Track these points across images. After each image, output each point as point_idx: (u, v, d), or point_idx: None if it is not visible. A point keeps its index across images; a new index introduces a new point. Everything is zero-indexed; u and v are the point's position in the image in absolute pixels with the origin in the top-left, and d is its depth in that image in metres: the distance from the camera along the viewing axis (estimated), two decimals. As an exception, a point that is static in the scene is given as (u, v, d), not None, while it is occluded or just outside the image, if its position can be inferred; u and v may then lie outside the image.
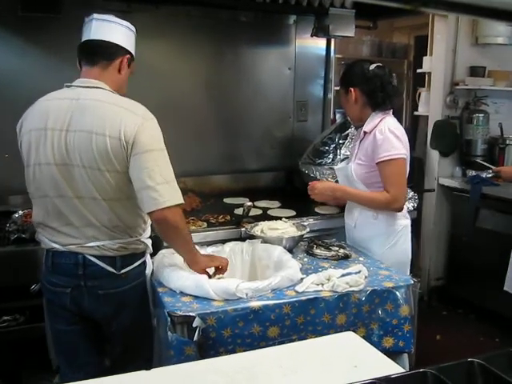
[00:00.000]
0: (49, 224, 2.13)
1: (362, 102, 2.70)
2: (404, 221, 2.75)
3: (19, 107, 3.13)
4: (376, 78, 2.66)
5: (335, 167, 3.05)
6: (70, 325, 2.21)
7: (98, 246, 2.11)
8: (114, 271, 2.14)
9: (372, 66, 2.70)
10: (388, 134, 2.57)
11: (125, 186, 2.07)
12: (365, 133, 2.67)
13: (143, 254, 2.26)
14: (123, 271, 2.17)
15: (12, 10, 2.89)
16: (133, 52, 2.24)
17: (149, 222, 2.23)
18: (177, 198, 2.05)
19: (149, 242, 2.29)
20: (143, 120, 2.05)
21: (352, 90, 2.70)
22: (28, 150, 2.10)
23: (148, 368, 1.50)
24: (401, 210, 2.67)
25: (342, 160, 3.55)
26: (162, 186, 2.01)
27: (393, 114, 2.72)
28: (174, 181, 2.06)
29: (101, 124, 2.01)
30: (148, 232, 2.28)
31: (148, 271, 2.29)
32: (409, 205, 3.21)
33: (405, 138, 2.63)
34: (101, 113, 2.04)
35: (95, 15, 2.14)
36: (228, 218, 3.07)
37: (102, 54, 2.14)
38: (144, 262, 2.27)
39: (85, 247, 2.11)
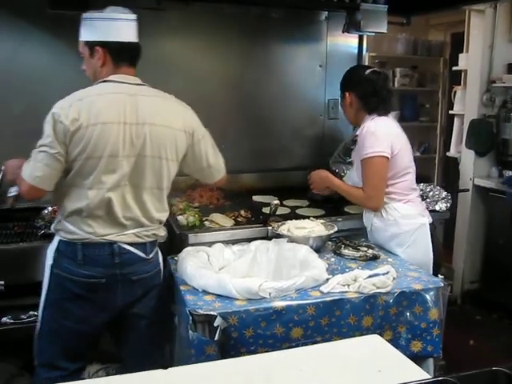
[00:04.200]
0: (92, 213, 2.12)
1: (356, 106, 2.79)
2: (420, 219, 2.70)
3: (49, 105, 3.18)
4: (368, 82, 2.74)
5: (344, 178, 3.06)
6: (77, 323, 2.20)
7: (133, 234, 2.20)
8: (145, 256, 2.25)
9: (367, 71, 2.78)
10: (365, 133, 2.64)
11: (173, 174, 2.27)
12: (357, 135, 2.74)
13: (156, 241, 2.35)
14: (151, 256, 2.29)
15: (41, 7, 2.91)
16: None
17: None
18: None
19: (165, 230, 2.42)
20: (190, 110, 2.33)
21: (347, 94, 2.81)
22: (87, 143, 2.06)
23: (165, 360, 1.48)
24: (376, 208, 2.70)
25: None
26: (220, 158, 2.44)
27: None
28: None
29: (167, 118, 2.21)
30: None
31: (161, 262, 2.39)
32: (441, 205, 3.15)
33: (389, 136, 2.64)
34: (163, 107, 2.23)
35: (123, 15, 2.18)
36: (249, 213, 3.06)
37: (139, 57, 2.26)
38: (157, 251, 2.37)
39: (122, 235, 2.18)
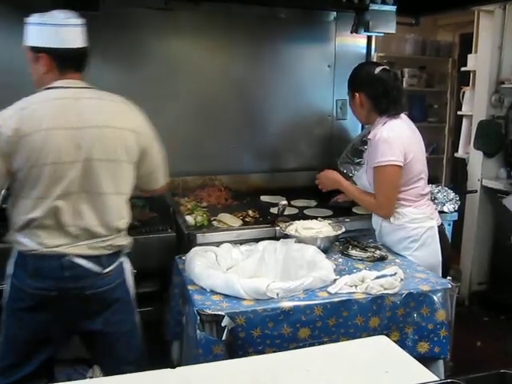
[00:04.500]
0: (41, 223, 2.04)
1: (368, 107, 2.70)
2: (428, 222, 2.67)
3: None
4: (379, 82, 2.64)
5: (354, 178, 3.04)
6: (30, 334, 2.13)
7: (85, 245, 2.09)
8: (100, 270, 2.12)
9: (377, 70, 2.67)
10: (378, 141, 2.57)
11: (130, 178, 2.19)
12: (369, 139, 2.66)
13: (120, 252, 2.22)
14: (108, 269, 2.15)
15: (49, 7, 2.91)
16: None
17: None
18: None
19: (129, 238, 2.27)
20: (138, 111, 2.23)
21: (357, 94, 2.71)
22: (31, 151, 1.99)
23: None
24: (387, 216, 2.66)
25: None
26: (164, 163, 2.32)
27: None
28: None
29: (114, 119, 2.13)
30: None
31: (127, 273, 2.25)
32: (449, 206, 3.14)
33: (402, 143, 2.56)
34: (109, 109, 2.16)
35: (70, 20, 2.09)
36: (257, 213, 3.07)
37: (87, 62, 2.18)
38: (122, 263, 2.23)
39: (73, 247, 2.07)
